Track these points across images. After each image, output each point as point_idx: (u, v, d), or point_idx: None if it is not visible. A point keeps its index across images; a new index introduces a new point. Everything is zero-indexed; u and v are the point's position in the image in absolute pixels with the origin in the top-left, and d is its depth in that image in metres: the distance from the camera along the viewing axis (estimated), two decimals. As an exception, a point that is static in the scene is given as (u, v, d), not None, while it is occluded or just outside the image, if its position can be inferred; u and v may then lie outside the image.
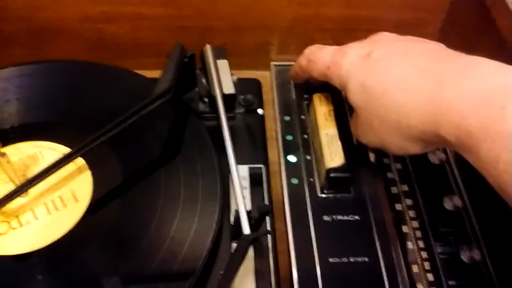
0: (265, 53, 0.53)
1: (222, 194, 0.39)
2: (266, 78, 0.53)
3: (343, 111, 0.48)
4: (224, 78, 0.43)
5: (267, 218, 0.40)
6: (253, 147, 0.45)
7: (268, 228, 0.39)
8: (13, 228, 0.37)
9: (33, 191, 0.38)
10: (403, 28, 0.50)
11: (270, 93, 0.51)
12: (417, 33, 0.51)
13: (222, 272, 0.32)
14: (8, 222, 0.37)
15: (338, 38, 0.52)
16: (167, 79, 0.41)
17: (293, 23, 0.50)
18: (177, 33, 0.49)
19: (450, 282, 0.38)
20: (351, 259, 0.39)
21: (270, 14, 0.49)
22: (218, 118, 0.43)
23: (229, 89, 0.43)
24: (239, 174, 0.37)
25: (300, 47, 0.52)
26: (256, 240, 0.36)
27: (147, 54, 0.52)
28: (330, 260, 0.38)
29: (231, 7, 0.48)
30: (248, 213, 0.35)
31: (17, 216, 0.37)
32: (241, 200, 0.35)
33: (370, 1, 0.48)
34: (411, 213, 0.42)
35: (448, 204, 0.40)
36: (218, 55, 0.45)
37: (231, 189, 0.41)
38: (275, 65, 0.53)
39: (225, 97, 0.42)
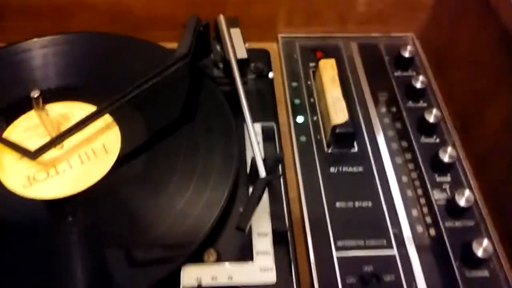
0: (272, 25, 0.57)
1: (238, 148, 0.43)
2: (273, 49, 0.57)
3: (345, 75, 0.52)
4: (237, 44, 0.47)
5: (280, 167, 0.44)
6: (264, 108, 0.49)
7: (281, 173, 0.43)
8: (51, 176, 0.40)
9: (68, 144, 0.42)
10: (400, 0, 0.55)
11: (278, 63, 0.55)
12: (413, 5, 0.56)
13: (241, 209, 0.36)
14: (47, 171, 0.41)
15: (339, 10, 0.56)
16: (185, 44, 0.45)
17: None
18: (190, 6, 0.52)
19: (447, 224, 0.42)
20: (356, 204, 0.43)
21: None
22: (231, 81, 0.46)
23: (243, 54, 0.47)
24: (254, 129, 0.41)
25: (306, 20, 0.57)
26: (271, 183, 0.40)
27: (162, 27, 0.55)
28: (337, 204, 0.43)
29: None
30: (264, 160, 0.39)
31: (54, 166, 0.41)
32: (257, 148, 0.39)
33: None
34: (410, 166, 0.46)
35: (443, 156, 0.44)
36: (231, 24, 0.49)
37: (246, 145, 0.45)
38: (282, 37, 0.57)
39: (239, 61, 0.46)
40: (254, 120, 0.46)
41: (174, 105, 0.47)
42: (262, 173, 0.38)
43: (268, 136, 0.47)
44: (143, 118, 0.45)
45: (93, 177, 0.41)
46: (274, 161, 0.40)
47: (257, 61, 0.53)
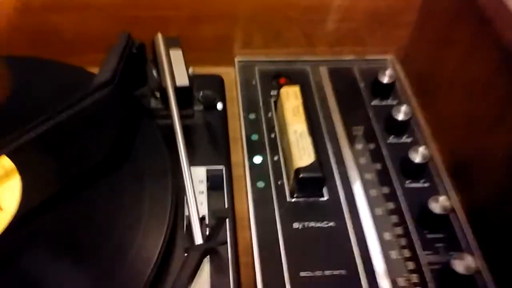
0: (227, 47, 0.48)
1: (175, 201, 0.34)
2: (230, 74, 0.48)
3: (313, 105, 0.44)
4: (178, 69, 0.38)
5: (227, 227, 0.34)
6: (213, 147, 0.40)
7: (228, 237, 0.33)
8: None
9: None
10: (376, 17, 0.47)
11: (235, 91, 0.46)
12: (392, 22, 0.47)
13: (169, 289, 0.26)
14: None
15: (306, 29, 0.47)
16: (109, 68, 0.36)
17: (255, 13, 0.45)
18: (128, 25, 0.43)
19: (441, 292, 0.33)
20: (326, 272, 0.33)
21: (230, 2, 0.44)
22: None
23: (183, 80, 0.37)
24: (192, 177, 0.31)
25: (266, 39, 0.48)
26: (211, 251, 0.30)
27: (96, 49, 0.45)
28: (302, 274, 0.33)
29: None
30: (201, 219, 0.29)
31: None
32: (193, 205, 0.30)
33: (341, -13, 0.44)
34: (394, 218, 0.37)
35: (434, 207, 0.35)
36: (171, 45, 0.40)
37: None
38: (239, 61, 0.48)
39: (178, 90, 0.37)
40: (199, 163, 0.38)
41: (98, 145, 0.37)
42: (198, 238, 0.29)
43: (215, 183, 0.37)
44: (55, 162, 0.35)
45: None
46: (217, 219, 0.30)
47: (207, 89, 0.44)
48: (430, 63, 0.46)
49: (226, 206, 0.35)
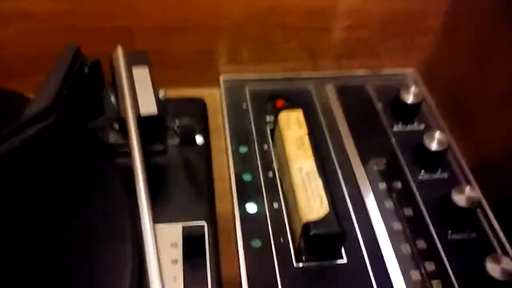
0: (210, 63, 0.39)
1: (137, 276, 0.24)
2: (215, 97, 0.39)
3: (320, 134, 0.35)
4: (143, 92, 0.29)
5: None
6: (192, 195, 0.30)
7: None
8: None
9: None
10: (392, 23, 0.38)
11: (220, 119, 0.37)
12: (411, 28, 0.39)
13: None
14: None
15: (308, 39, 0.39)
16: (47, 93, 0.26)
17: (244, 20, 0.37)
18: (81, 39, 0.34)
19: None
20: None
21: (213, 8, 0.36)
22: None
23: (149, 107, 0.28)
24: (156, 243, 0.22)
25: (258, 53, 0.39)
26: None
27: (40, 70, 0.36)
28: None
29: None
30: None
31: None
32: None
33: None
34: (435, 284, 0.27)
35: (494, 269, 0.26)
36: (135, 61, 0.31)
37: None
38: (225, 80, 0.40)
39: (143, 120, 0.28)
40: (173, 217, 0.29)
41: (36, 198, 0.28)
42: None
43: (194, 246, 0.27)
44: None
45: None
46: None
47: (186, 117, 0.34)
48: (463, 77, 0.37)
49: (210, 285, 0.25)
